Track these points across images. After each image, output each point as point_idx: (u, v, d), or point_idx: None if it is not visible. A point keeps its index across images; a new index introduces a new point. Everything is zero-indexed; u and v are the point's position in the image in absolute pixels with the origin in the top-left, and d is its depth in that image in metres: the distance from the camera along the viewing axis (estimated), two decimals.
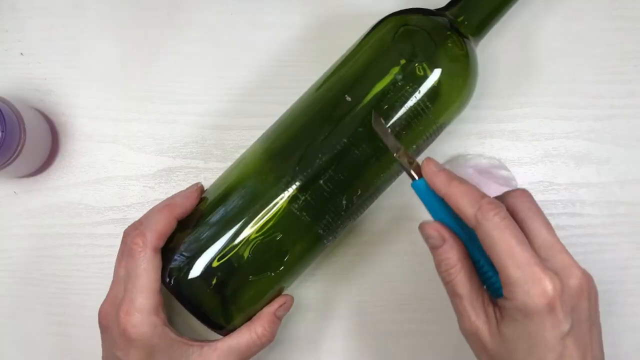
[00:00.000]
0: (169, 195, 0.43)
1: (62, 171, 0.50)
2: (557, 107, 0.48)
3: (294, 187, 0.40)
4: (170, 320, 0.42)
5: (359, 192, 0.41)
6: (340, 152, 0.40)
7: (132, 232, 0.39)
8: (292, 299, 0.43)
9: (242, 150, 0.48)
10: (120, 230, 0.48)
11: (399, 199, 0.47)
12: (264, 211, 0.40)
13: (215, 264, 0.39)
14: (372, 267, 0.48)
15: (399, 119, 0.40)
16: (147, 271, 0.38)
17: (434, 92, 0.40)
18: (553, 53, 0.48)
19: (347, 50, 0.44)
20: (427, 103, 0.40)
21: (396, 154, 0.37)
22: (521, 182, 0.48)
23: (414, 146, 0.42)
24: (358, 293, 0.48)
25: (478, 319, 0.33)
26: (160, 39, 0.50)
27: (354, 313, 0.47)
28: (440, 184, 0.34)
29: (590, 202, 0.47)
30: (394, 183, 0.44)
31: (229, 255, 0.40)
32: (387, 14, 0.43)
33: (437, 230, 0.34)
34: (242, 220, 0.40)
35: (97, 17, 0.50)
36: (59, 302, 0.49)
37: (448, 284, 0.34)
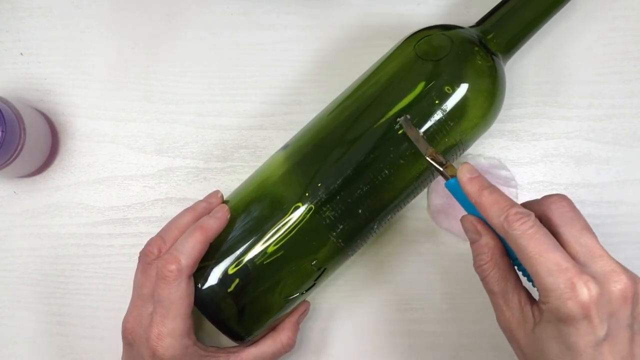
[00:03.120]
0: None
1: (62, 171, 0.50)
2: (557, 107, 0.48)
3: (317, 200, 0.39)
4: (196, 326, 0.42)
5: (384, 207, 0.41)
6: (365, 167, 0.40)
7: (166, 256, 0.38)
8: (309, 305, 0.45)
9: (242, 150, 0.49)
10: (120, 231, 0.49)
11: None
12: (282, 224, 0.40)
13: (232, 270, 0.39)
14: (372, 268, 0.48)
15: (424, 133, 0.40)
16: (181, 298, 0.38)
17: (460, 107, 0.40)
18: (553, 53, 0.48)
19: (374, 64, 0.44)
20: (453, 118, 0.40)
21: (427, 156, 0.37)
22: (521, 182, 0.48)
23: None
24: (358, 293, 0.48)
25: (512, 317, 0.33)
26: (160, 39, 0.50)
27: (354, 313, 0.47)
28: (472, 192, 0.34)
29: (590, 202, 0.47)
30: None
31: (249, 266, 0.39)
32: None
33: (474, 225, 0.35)
34: (263, 232, 0.40)
35: (97, 17, 0.50)
36: (59, 302, 0.49)
37: (483, 280, 0.35)
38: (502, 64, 0.43)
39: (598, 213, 0.47)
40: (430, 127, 0.40)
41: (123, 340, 0.40)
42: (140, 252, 0.41)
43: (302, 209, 0.40)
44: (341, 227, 0.40)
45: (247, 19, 0.50)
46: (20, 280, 0.49)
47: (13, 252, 0.49)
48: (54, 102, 0.50)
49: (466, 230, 0.36)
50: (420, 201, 0.47)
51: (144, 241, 0.41)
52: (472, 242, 0.35)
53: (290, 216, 0.40)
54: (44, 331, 0.49)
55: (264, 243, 0.40)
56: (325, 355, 0.47)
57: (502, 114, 0.48)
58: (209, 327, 0.40)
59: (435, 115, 0.40)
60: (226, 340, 0.42)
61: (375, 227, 0.42)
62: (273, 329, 0.43)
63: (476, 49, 0.42)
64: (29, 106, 0.48)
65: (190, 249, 0.38)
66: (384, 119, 0.40)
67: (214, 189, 0.44)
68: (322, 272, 0.41)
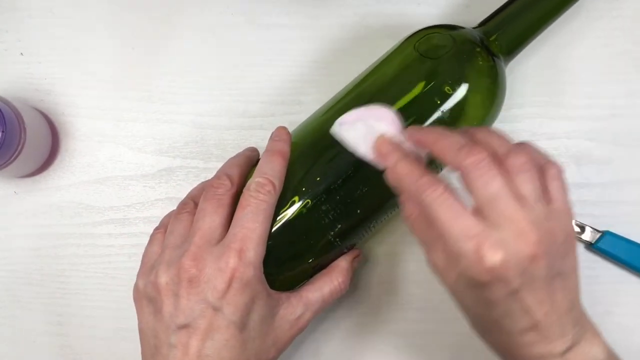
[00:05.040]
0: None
1: (62, 171, 0.50)
2: (557, 107, 0.48)
3: (310, 197, 0.40)
4: None
5: (381, 205, 0.42)
6: (361, 164, 0.39)
7: (255, 179, 0.37)
8: (361, 252, 0.45)
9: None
10: (120, 231, 0.49)
11: None
12: (278, 219, 0.39)
13: None
14: (371, 267, 0.48)
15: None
16: (270, 218, 0.37)
17: (460, 107, 0.40)
18: (553, 54, 0.48)
19: (373, 62, 0.44)
20: (453, 118, 0.40)
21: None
22: None
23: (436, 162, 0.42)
24: (357, 293, 0.47)
25: (437, 264, 0.34)
26: (160, 39, 0.50)
27: (354, 313, 0.47)
28: (388, 165, 0.35)
29: (590, 202, 0.47)
30: None
31: None
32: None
33: (394, 179, 0.35)
34: None
35: (97, 17, 0.50)
36: (59, 302, 0.49)
37: (410, 230, 0.35)
38: (504, 65, 0.43)
39: (598, 213, 0.47)
40: (429, 126, 0.40)
41: (171, 284, 0.36)
42: (201, 189, 0.40)
43: (298, 205, 0.39)
44: (337, 223, 0.40)
45: (247, 19, 0.50)
46: (20, 280, 0.49)
47: (13, 252, 0.49)
48: (54, 102, 0.50)
49: (391, 184, 0.36)
50: None
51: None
52: (400, 195, 0.36)
53: (286, 211, 0.39)
54: (44, 331, 0.49)
55: None
56: (325, 356, 0.47)
57: (503, 114, 0.48)
58: None
59: (435, 114, 0.40)
60: None
61: (371, 225, 0.42)
62: (325, 268, 0.42)
63: (478, 49, 0.42)
64: (29, 106, 0.48)
65: (277, 171, 0.38)
66: None
67: None
68: (317, 270, 0.42)
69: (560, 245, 0.33)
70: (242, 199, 0.38)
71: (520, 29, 0.44)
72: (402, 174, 0.34)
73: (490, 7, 0.44)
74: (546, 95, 0.48)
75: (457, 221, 0.31)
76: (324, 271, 0.42)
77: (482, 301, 0.33)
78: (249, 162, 0.42)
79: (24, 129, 0.45)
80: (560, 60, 0.48)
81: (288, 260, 0.41)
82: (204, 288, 0.36)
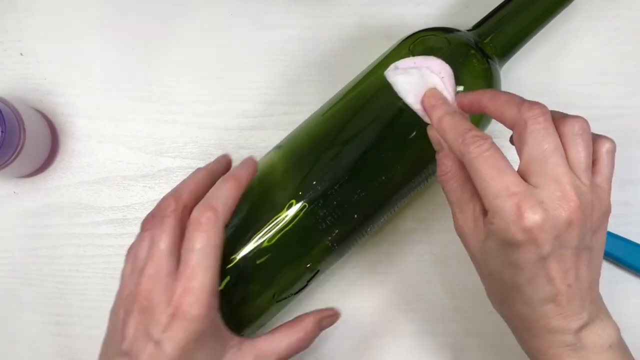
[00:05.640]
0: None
1: (62, 171, 0.50)
2: (557, 107, 0.48)
3: (310, 200, 0.39)
4: None
5: (379, 207, 0.42)
6: (359, 168, 0.40)
7: (199, 206, 0.35)
8: (339, 315, 0.41)
9: (242, 151, 0.49)
10: (119, 231, 0.49)
11: None
12: (276, 223, 0.39)
13: (223, 267, 0.39)
14: (372, 267, 0.48)
15: (418, 134, 0.40)
16: (217, 247, 0.35)
17: None
18: (553, 53, 0.48)
19: (369, 65, 0.44)
20: None
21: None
22: None
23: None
24: (357, 293, 0.47)
25: (466, 226, 0.34)
26: (160, 39, 0.50)
27: (353, 313, 0.47)
28: (434, 119, 0.36)
29: None
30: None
31: (240, 264, 0.39)
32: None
33: (437, 135, 0.36)
34: (255, 231, 0.40)
35: (97, 17, 0.50)
36: (58, 302, 0.49)
37: (443, 189, 0.36)
38: (498, 67, 0.43)
39: None
40: (425, 129, 0.40)
41: (126, 311, 0.35)
42: (150, 213, 0.37)
43: (295, 209, 0.39)
44: (334, 227, 0.40)
45: (247, 19, 0.50)
46: (20, 281, 0.49)
47: (13, 252, 0.49)
48: (54, 102, 0.50)
49: (431, 139, 0.36)
50: (419, 200, 0.47)
51: None
52: (437, 152, 0.36)
53: (283, 215, 0.39)
54: (44, 331, 0.49)
55: (255, 242, 0.39)
56: (325, 356, 0.47)
57: None
58: None
59: None
60: None
61: (369, 228, 0.42)
62: (289, 322, 0.40)
63: (472, 51, 0.42)
64: (29, 106, 0.48)
65: (225, 198, 0.35)
66: (378, 120, 0.40)
67: None
68: (314, 274, 0.41)
69: (596, 220, 0.33)
70: (186, 230, 0.35)
71: (514, 31, 0.44)
72: (447, 127, 0.34)
73: (489, 8, 0.44)
74: (546, 95, 0.48)
75: (500, 177, 0.31)
76: (287, 323, 0.39)
77: (508, 264, 0.32)
78: (210, 176, 0.38)
79: (24, 129, 0.45)
80: (561, 61, 0.48)
81: (287, 264, 0.40)
82: (149, 320, 0.34)
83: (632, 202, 0.47)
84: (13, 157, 0.44)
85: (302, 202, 0.39)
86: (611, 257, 0.46)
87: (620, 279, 0.47)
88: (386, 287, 0.47)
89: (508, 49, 0.44)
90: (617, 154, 0.47)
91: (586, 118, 0.34)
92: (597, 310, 0.34)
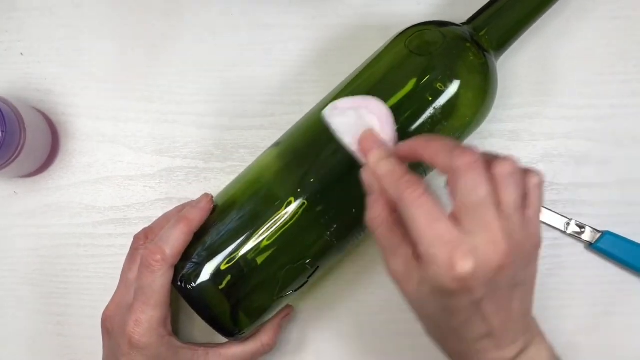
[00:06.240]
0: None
1: (62, 171, 0.50)
2: (557, 107, 0.48)
3: (307, 197, 0.40)
4: (183, 325, 0.44)
5: None
6: (357, 163, 0.40)
7: (150, 246, 0.40)
8: (292, 309, 0.46)
9: (242, 150, 0.49)
10: (120, 231, 0.49)
11: None
12: (275, 220, 0.40)
13: (224, 267, 0.39)
14: (371, 267, 0.48)
15: (415, 129, 0.40)
16: (163, 287, 0.39)
17: (452, 103, 0.40)
18: (552, 52, 0.48)
19: (365, 61, 0.44)
20: (445, 114, 0.40)
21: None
22: None
23: None
24: (357, 293, 0.48)
25: (398, 271, 0.34)
26: (160, 38, 0.50)
27: (353, 313, 0.47)
28: (369, 163, 0.35)
29: (590, 202, 0.47)
30: None
31: (240, 262, 0.39)
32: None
33: (369, 178, 0.35)
34: (255, 229, 0.40)
35: (97, 17, 0.50)
36: (59, 302, 0.49)
37: (373, 234, 0.35)
38: (494, 60, 0.43)
39: (598, 213, 0.47)
40: (421, 123, 0.40)
41: (102, 329, 0.42)
42: (143, 231, 0.44)
43: (294, 205, 0.39)
44: (334, 223, 0.40)
45: (247, 19, 0.50)
46: (20, 280, 0.49)
47: (13, 252, 0.49)
48: (54, 102, 0.50)
49: (364, 181, 0.36)
50: None
51: None
52: (368, 195, 0.35)
53: (283, 213, 0.40)
54: (44, 331, 0.49)
55: (256, 240, 0.40)
56: (325, 356, 0.47)
57: (502, 114, 0.48)
58: (201, 323, 0.40)
59: (427, 111, 0.40)
60: (218, 337, 0.42)
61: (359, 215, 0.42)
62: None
63: (468, 45, 0.42)
64: (29, 106, 0.48)
65: (174, 240, 0.39)
66: None
67: (213, 189, 0.45)
68: (314, 270, 0.41)
69: (527, 255, 0.33)
70: (138, 266, 0.40)
71: (509, 23, 0.44)
72: (382, 172, 0.34)
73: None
74: (546, 95, 0.48)
75: (433, 225, 0.31)
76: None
77: (443, 309, 0.32)
78: (188, 229, 0.40)
79: (24, 129, 0.45)
80: (561, 61, 0.48)
81: (287, 262, 0.40)
82: (115, 344, 0.40)
83: (632, 202, 0.47)
84: (13, 157, 0.44)
85: (301, 199, 0.40)
86: (613, 258, 0.46)
87: (622, 279, 0.47)
88: (387, 284, 0.47)
89: (504, 41, 0.44)
90: (616, 154, 0.48)
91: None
92: (532, 336, 0.35)
